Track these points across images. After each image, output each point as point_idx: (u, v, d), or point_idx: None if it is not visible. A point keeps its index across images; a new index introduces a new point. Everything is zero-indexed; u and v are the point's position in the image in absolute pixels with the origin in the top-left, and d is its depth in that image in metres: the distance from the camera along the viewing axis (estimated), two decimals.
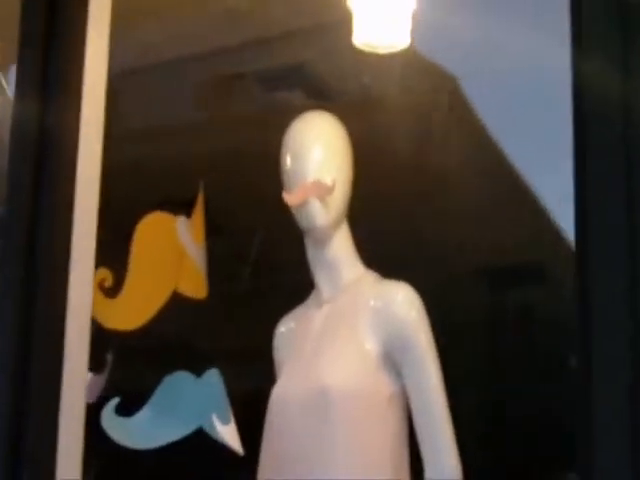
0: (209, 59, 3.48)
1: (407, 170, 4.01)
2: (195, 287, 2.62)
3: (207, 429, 2.10)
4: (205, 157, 3.36)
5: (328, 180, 2.37)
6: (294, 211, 2.41)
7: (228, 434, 2.08)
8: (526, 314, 5.73)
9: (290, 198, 2.38)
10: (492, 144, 5.26)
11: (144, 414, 2.15)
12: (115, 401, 2.19)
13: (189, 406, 2.12)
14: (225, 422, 2.08)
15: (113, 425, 2.16)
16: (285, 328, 2.53)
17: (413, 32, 2.57)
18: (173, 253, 2.66)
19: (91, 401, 2.26)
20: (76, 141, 2.17)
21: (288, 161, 2.43)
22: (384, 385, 2.28)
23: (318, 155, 2.40)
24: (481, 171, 4.94)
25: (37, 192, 2.13)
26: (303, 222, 2.40)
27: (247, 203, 3.50)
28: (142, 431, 2.14)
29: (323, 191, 2.36)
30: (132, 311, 2.59)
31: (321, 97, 3.80)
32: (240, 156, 3.43)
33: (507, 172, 5.44)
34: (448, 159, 4.39)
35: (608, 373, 1.63)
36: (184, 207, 2.75)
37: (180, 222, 2.65)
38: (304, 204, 2.36)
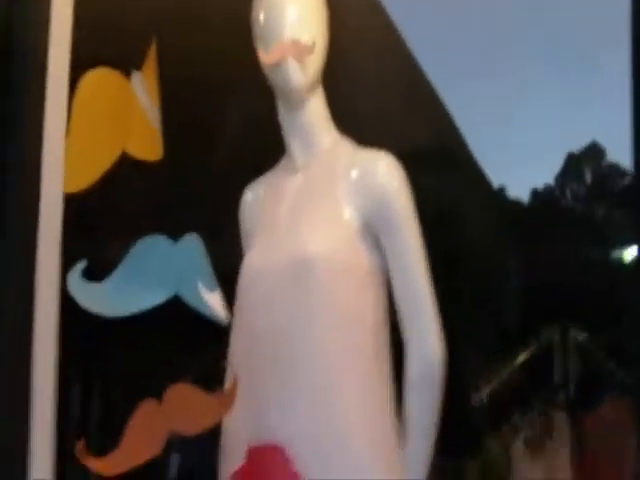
0: None
1: None
2: (150, 148, 2.45)
3: (188, 297, 1.96)
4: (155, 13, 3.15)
5: (307, 39, 2.24)
6: (268, 71, 2.26)
7: (213, 301, 1.95)
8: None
9: (267, 57, 2.23)
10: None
11: (115, 279, 1.99)
12: (82, 264, 2.02)
13: (166, 272, 1.95)
14: (210, 289, 1.94)
15: (80, 290, 1.99)
16: (253, 196, 2.39)
17: None
18: (123, 110, 2.47)
19: None
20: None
21: (262, 18, 2.26)
22: (364, 257, 2.16)
23: (296, 13, 2.24)
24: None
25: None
26: (279, 82, 2.25)
27: (203, 60, 3.31)
28: (113, 297, 1.97)
29: (302, 51, 2.21)
30: (75, 172, 2.41)
31: None
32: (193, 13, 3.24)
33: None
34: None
35: None
36: (134, 63, 2.56)
37: (135, 77, 2.46)
38: (281, 63, 2.22)
